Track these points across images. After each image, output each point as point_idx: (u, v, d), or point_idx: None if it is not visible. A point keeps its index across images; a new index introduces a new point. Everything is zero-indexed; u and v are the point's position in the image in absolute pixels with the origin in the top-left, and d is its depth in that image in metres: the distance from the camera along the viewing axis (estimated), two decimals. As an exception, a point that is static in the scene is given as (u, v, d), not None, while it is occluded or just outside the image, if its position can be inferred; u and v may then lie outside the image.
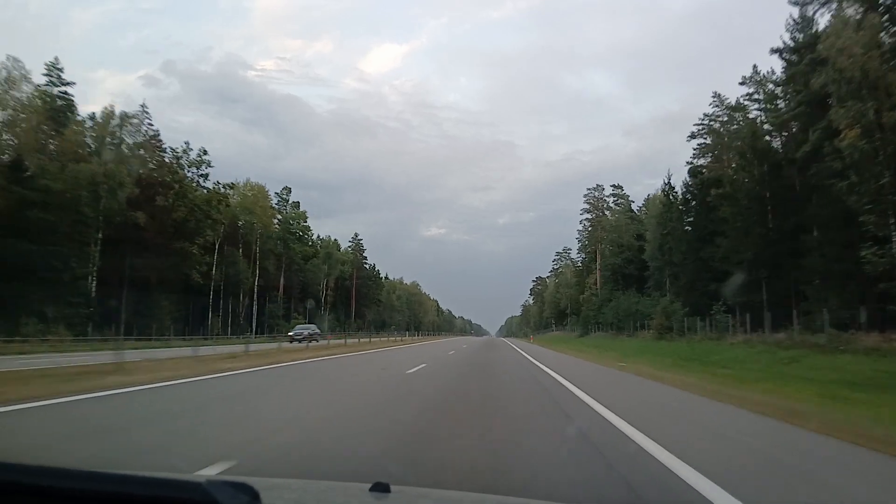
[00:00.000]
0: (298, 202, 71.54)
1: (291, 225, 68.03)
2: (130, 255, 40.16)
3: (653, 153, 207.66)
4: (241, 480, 1.15)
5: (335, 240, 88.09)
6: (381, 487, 1.63)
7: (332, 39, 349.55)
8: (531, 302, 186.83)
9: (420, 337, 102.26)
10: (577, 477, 4.14)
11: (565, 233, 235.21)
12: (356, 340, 44.33)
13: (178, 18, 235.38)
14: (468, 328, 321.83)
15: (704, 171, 45.44)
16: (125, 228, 39.71)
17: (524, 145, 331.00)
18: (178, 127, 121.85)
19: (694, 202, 45.86)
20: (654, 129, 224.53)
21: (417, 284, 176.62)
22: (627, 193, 70.70)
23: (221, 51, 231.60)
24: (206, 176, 47.07)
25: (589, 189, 77.85)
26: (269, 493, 1.27)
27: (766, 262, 32.66)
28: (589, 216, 78.95)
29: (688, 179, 47.03)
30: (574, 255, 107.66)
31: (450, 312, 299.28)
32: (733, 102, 43.12)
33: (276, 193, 69.67)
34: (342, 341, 43.44)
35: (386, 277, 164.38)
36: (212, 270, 55.84)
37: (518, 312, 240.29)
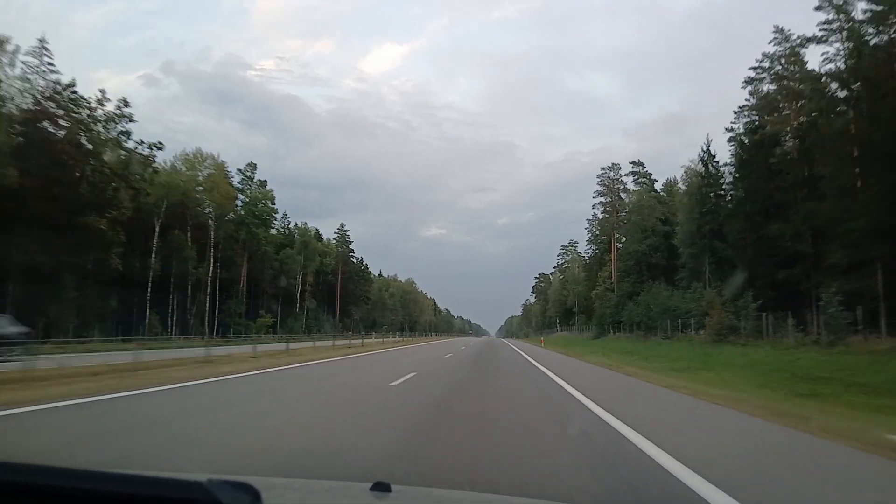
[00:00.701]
0: (266, 181, 61.48)
1: (256, 207, 57.80)
2: (11, 230, 30.12)
3: (654, 154, 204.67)
4: (242, 480, 1.14)
5: (315, 229, 77.91)
6: (381, 487, 1.63)
7: (332, 40, 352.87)
8: (533, 301, 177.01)
9: (414, 338, 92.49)
10: None
11: (565, 234, 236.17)
12: (330, 344, 37.04)
13: (178, 19, 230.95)
14: (467, 328, 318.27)
15: (763, 126, 35.39)
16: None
17: (524, 146, 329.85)
18: (178, 128, 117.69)
19: (746, 169, 35.95)
20: (655, 130, 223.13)
21: (413, 282, 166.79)
22: (650, 171, 60.83)
23: (221, 51, 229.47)
24: (127, 134, 37.08)
25: (603, 169, 67.93)
26: (270, 492, 1.27)
27: (884, 233, 22.60)
28: (602, 200, 68.92)
29: (742, 139, 36.96)
30: (583, 248, 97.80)
31: (448, 312, 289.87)
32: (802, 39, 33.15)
33: (238, 171, 59.70)
34: (310, 344, 36.15)
35: (380, 275, 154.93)
36: (150, 258, 45.84)
37: (518, 312, 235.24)
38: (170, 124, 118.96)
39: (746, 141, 35.83)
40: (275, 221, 67.14)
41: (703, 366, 18.08)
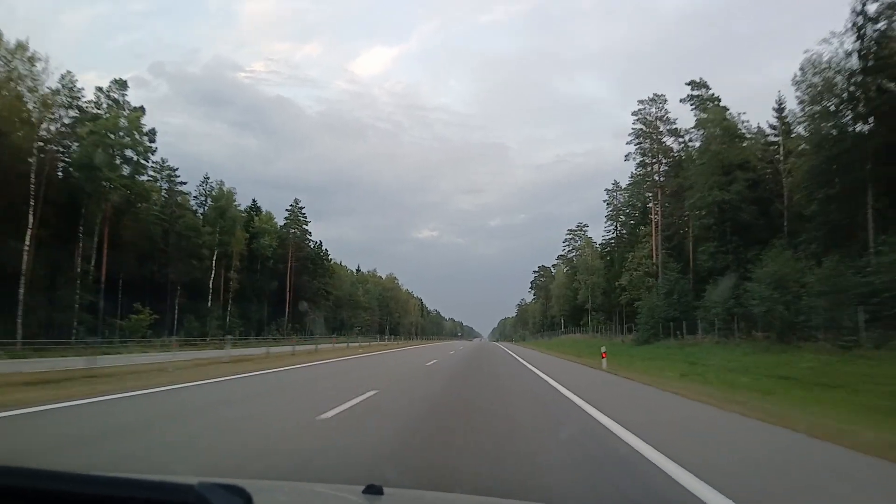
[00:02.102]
0: (143, 107, 40.62)
1: (112, 138, 36.97)
2: None
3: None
4: (233, 483, 1.13)
5: (231, 190, 56.99)
6: (374, 490, 1.61)
7: (323, 42, 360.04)
8: (530, 299, 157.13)
9: (393, 342, 72.33)
10: None
11: (557, 236, 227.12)
12: (263, 352, 25.72)
13: (166, 21, 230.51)
14: (459, 331, 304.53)
15: None
16: None
17: (515, 148, 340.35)
18: (167, 129, 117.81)
19: None
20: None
21: (395, 278, 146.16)
22: (717, 94, 40.89)
23: (210, 53, 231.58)
24: None
25: (642, 102, 47.89)
26: (261, 495, 1.27)
27: None
28: (640, 143, 48.84)
29: None
30: (597, 232, 78.21)
31: (438, 313, 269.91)
32: None
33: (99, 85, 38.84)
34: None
35: (359, 270, 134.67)
36: None
37: (512, 314, 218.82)
38: (158, 126, 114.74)
39: None
40: (152, 165, 46.13)
41: None
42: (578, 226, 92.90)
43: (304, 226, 77.43)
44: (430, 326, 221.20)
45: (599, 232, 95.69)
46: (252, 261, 62.77)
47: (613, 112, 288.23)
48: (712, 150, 34.08)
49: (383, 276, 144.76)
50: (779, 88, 49.10)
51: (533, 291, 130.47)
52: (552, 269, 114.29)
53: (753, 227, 32.87)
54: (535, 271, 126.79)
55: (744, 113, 39.29)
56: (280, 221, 72.94)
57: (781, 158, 35.09)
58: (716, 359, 22.18)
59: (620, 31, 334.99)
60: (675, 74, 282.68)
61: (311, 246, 79.20)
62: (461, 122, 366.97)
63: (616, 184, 67.46)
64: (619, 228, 67.62)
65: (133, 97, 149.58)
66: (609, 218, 68.24)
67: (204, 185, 56.95)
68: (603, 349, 20.57)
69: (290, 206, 76.74)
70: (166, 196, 52.60)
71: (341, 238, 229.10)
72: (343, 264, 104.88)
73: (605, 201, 68.55)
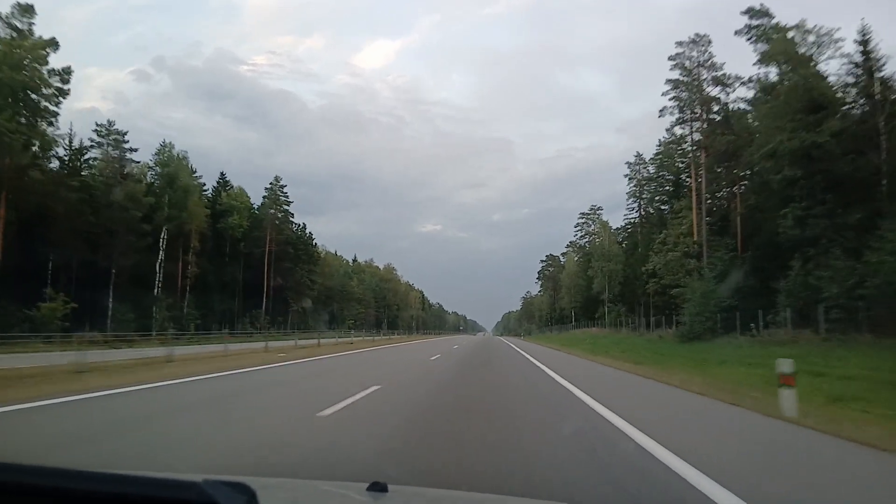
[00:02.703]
0: (55, 40, 31.93)
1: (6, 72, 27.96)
2: None
3: (646, 150, 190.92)
4: (238, 480, 1.13)
5: (183, 154, 48.39)
6: (378, 487, 1.61)
7: (325, 35, 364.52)
8: (536, 292, 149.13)
9: (388, 337, 64.24)
10: None
11: (559, 231, 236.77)
12: (222, 349, 22.06)
13: (168, 14, 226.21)
14: (462, 325, 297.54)
15: None
16: None
17: (517, 142, 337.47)
18: (169, 123, 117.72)
19: None
20: (647, 126, 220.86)
21: (393, 269, 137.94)
22: (785, 23, 31.99)
23: (212, 46, 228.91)
24: None
25: (681, 44, 39.03)
26: (266, 492, 1.26)
27: None
28: (678, 96, 40.04)
29: None
30: (613, 217, 69.87)
31: (440, 307, 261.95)
32: None
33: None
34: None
35: (355, 260, 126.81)
36: None
37: (516, 307, 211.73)
38: (161, 120, 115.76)
39: None
40: (98, 130, 37.78)
41: None
42: (592, 209, 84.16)
43: (285, 206, 68.98)
44: (431, 320, 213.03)
45: (613, 219, 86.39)
46: (219, 243, 54.45)
47: (615, 107, 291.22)
48: (789, 83, 25.30)
49: (381, 267, 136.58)
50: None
51: (540, 282, 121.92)
52: (561, 257, 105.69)
53: (847, 184, 24.23)
54: (542, 260, 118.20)
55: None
56: (261, 203, 64.77)
57: (879, 93, 26.38)
58: (848, 366, 13.81)
59: (622, 25, 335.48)
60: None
61: (294, 229, 70.68)
62: (463, 117, 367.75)
63: (639, 156, 58.80)
64: (643, 206, 58.98)
65: (135, 91, 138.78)
66: (631, 196, 59.56)
67: (161, 153, 48.54)
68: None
69: (271, 183, 68.38)
70: (117, 166, 44.28)
71: (344, 233, 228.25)
72: (338, 254, 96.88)
73: (626, 176, 59.83)
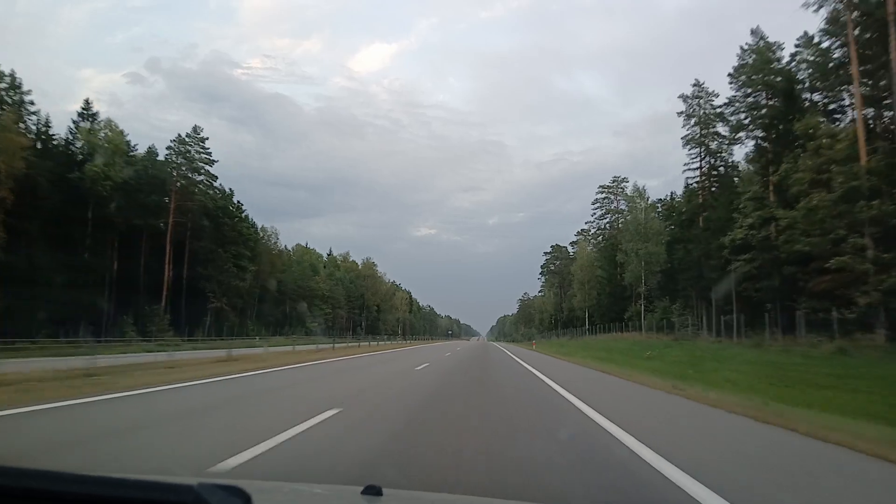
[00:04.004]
0: None
1: None
2: None
3: (644, 154, 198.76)
4: (232, 484, 1.12)
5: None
6: (373, 490, 1.60)
7: (321, 38, 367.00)
8: (536, 292, 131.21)
9: (355, 346, 45.76)
10: None
11: (555, 236, 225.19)
12: None
13: (163, 16, 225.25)
14: (456, 329, 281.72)
15: None
16: None
17: (513, 146, 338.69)
18: (164, 126, 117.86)
19: None
20: (646, 130, 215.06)
21: (373, 264, 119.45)
22: None
23: (207, 48, 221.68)
24: None
25: None
26: (261, 496, 1.26)
27: None
28: None
29: None
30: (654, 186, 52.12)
31: (431, 310, 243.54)
32: None
33: None
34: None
35: (330, 254, 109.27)
36: None
37: (512, 311, 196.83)
38: (155, 122, 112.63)
39: None
40: None
41: None
42: (615, 180, 65.86)
43: (206, 165, 50.24)
44: (421, 324, 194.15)
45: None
46: (74, 203, 35.90)
47: (613, 110, 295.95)
48: None
49: (359, 262, 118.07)
50: None
51: (543, 279, 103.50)
52: (570, 248, 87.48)
53: None
54: (546, 253, 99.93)
55: None
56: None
57: None
58: None
59: (621, 27, 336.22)
60: (674, 73, 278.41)
61: (214, 193, 51.75)
62: (460, 120, 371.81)
63: (699, 85, 40.60)
64: (705, 157, 40.75)
65: (130, 93, 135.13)
66: (691, 142, 41.10)
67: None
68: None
69: (189, 135, 49.63)
70: None
71: (340, 235, 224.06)
72: (242, 208, 77.11)
73: (680, 114, 41.53)
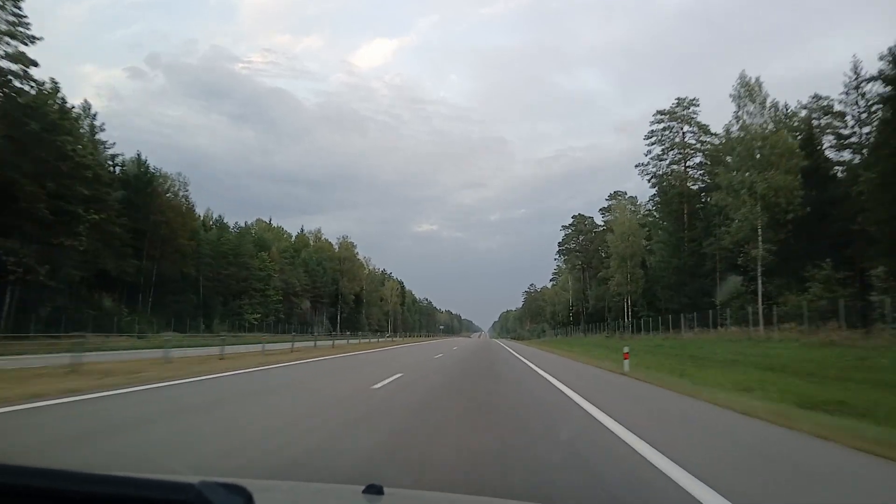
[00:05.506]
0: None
1: None
2: None
3: (646, 151, 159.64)
4: (234, 482, 1.12)
5: None
6: (374, 489, 1.60)
7: (322, 34, 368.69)
8: (549, 282, 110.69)
9: (304, 348, 24.02)
10: None
11: (557, 233, 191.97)
12: None
13: (163, 11, 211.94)
14: (455, 325, 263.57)
15: None
16: None
17: (515, 142, 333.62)
18: (165, 121, 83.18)
19: None
20: (646, 127, 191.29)
21: (351, 243, 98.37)
22: None
23: (207, 44, 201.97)
24: None
25: None
26: (262, 494, 1.26)
27: None
28: None
29: None
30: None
31: (429, 303, 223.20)
32: None
33: None
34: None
35: (302, 231, 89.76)
36: None
37: (515, 306, 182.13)
38: (156, 117, 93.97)
39: None
40: None
41: None
42: (678, 102, 44.29)
43: (18, 30, 29.25)
44: (416, 318, 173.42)
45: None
46: None
47: (614, 107, 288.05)
48: None
49: (334, 243, 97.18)
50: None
51: (562, 258, 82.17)
52: (602, 215, 66.31)
53: None
54: (564, 227, 78.69)
55: None
56: None
57: None
58: None
59: (621, 25, 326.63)
60: (674, 71, 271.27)
61: (62, 107, 30.84)
62: (461, 116, 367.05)
63: None
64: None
65: (130, 89, 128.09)
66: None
67: None
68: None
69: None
70: None
71: (343, 231, 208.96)
72: (144, 160, 57.45)
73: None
